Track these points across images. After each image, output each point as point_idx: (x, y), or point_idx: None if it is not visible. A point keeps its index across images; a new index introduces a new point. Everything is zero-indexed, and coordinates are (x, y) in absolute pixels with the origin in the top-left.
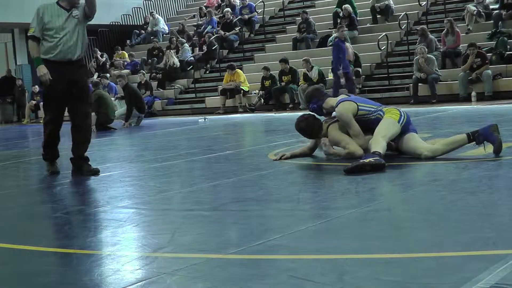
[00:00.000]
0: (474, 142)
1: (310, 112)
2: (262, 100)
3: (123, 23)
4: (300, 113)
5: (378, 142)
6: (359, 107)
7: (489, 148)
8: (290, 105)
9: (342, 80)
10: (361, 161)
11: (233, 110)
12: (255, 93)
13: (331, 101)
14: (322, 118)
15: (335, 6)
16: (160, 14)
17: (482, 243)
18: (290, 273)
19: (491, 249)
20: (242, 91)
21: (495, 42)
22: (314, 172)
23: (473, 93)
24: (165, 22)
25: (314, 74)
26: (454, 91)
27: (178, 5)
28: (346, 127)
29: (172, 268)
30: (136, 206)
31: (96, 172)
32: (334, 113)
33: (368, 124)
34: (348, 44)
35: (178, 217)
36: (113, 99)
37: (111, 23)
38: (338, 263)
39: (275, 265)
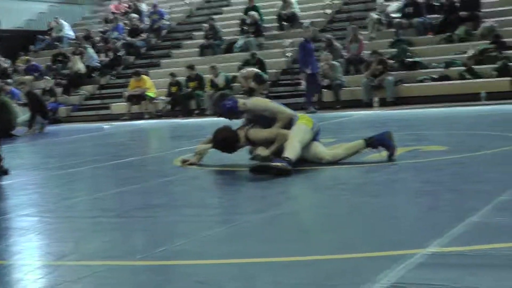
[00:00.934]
0: (370, 147)
1: (226, 122)
2: (169, 106)
3: (27, 29)
4: (207, 119)
5: (293, 148)
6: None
7: (385, 153)
8: (197, 111)
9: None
10: (269, 162)
11: (139, 116)
12: (161, 99)
13: (241, 100)
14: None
15: (241, 13)
16: (66, 20)
17: (384, 244)
18: (196, 278)
19: (391, 249)
20: (148, 97)
21: (396, 49)
22: (221, 177)
23: (376, 99)
24: (70, 27)
25: (220, 81)
26: (358, 97)
27: (84, 11)
28: (264, 112)
29: (76, 276)
30: (39, 214)
31: (5, 172)
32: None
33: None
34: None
35: (83, 225)
36: (15, 105)
37: (15, 28)
38: (244, 268)
39: (181, 271)
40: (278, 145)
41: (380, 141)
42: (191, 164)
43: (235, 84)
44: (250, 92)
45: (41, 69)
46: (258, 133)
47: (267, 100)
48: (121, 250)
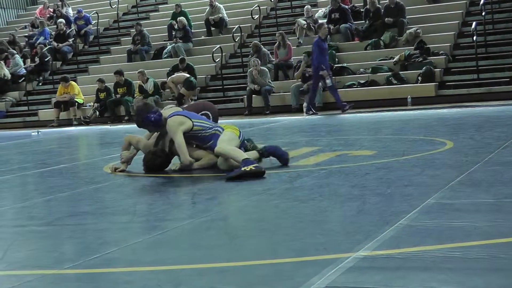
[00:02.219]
0: (263, 157)
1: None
2: (97, 113)
3: None
4: (136, 126)
5: (236, 151)
6: (194, 123)
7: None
8: (126, 117)
9: (329, 81)
10: (242, 168)
11: (68, 123)
12: (89, 106)
13: (165, 112)
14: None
15: (169, 19)
16: None
17: (314, 248)
18: (126, 286)
19: (322, 254)
20: (76, 103)
21: None
22: (150, 184)
23: (305, 104)
24: None
25: (149, 86)
26: (287, 102)
27: (8, 15)
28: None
29: (5, 286)
30: None
31: None
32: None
33: (203, 141)
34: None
35: (11, 234)
36: None
37: None
38: (174, 274)
39: (112, 278)
40: (205, 162)
41: (271, 151)
42: (121, 171)
43: (164, 90)
44: (179, 98)
45: None
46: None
47: (179, 129)
48: (51, 258)
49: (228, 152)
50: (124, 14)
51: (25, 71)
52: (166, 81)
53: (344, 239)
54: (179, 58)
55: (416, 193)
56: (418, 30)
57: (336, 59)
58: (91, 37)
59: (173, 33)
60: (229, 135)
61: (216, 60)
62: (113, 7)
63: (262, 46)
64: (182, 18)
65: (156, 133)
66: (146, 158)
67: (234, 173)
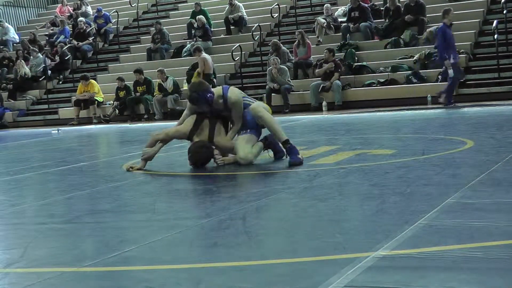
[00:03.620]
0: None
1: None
2: (117, 111)
3: None
4: (155, 124)
5: (279, 126)
6: (243, 98)
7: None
8: (145, 116)
9: (450, 71)
10: (300, 157)
11: (88, 121)
12: (109, 104)
13: (215, 91)
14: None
15: (189, 17)
16: (10, 23)
17: (333, 248)
18: (146, 284)
19: (341, 253)
20: (96, 101)
21: (344, 53)
22: (169, 182)
23: (324, 103)
24: (15, 31)
25: (169, 85)
26: (306, 101)
27: (29, 14)
28: (237, 111)
29: (25, 284)
30: None
31: None
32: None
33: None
34: (204, 55)
35: (31, 231)
36: None
37: None
38: (193, 272)
39: (131, 276)
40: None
41: (273, 142)
42: (138, 169)
43: (183, 88)
44: None
45: None
46: (225, 142)
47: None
48: (70, 256)
49: (272, 123)
50: (144, 12)
51: (45, 69)
52: (185, 79)
53: (363, 238)
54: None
55: (436, 192)
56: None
57: (356, 58)
58: (111, 36)
59: (193, 31)
60: (265, 107)
61: (236, 59)
62: (133, 5)
63: (281, 45)
64: (201, 16)
65: (188, 119)
66: (196, 149)
67: (296, 160)
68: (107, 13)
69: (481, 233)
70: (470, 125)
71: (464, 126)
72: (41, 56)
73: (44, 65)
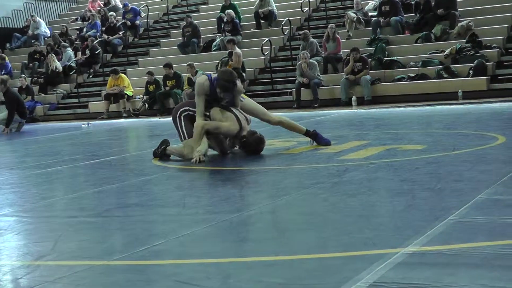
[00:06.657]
0: (308, 138)
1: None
2: (147, 105)
3: (3, 26)
4: None
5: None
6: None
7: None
8: None
9: None
10: (325, 137)
11: (117, 115)
12: (139, 98)
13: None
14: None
15: (219, 11)
16: (42, 17)
17: (362, 243)
18: (175, 278)
19: (370, 249)
20: (126, 95)
21: (374, 48)
22: (199, 177)
23: (354, 98)
24: (46, 25)
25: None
26: (336, 96)
27: (60, 8)
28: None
29: (55, 276)
30: (17, 214)
31: None
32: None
33: None
34: (238, 50)
35: (61, 224)
36: None
37: None
38: (222, 267)
39: (160, 270)
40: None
41: (318, 138)
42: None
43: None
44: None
45: (10, 68)
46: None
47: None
48: (100, 249)
49: (289, 122)
50: (174, 7)
51: (76, 63)
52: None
53: (393, 234)
54: (227, 51)
55: (467, 188)
56: (470, 23)
57: (386, 52)
58: (141, 30)
59: (222, 26)
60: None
61: (265, 53)
62: (162, 0)
63: (310, 36)
64: (230, 11)
65: (222, 116)
66: (257, 140)
67: (326, 142)
68: (136, 7)
69: None
70: (501, 121)
71: (496, 122)
72: (70, 50)
73: (74, 59)
